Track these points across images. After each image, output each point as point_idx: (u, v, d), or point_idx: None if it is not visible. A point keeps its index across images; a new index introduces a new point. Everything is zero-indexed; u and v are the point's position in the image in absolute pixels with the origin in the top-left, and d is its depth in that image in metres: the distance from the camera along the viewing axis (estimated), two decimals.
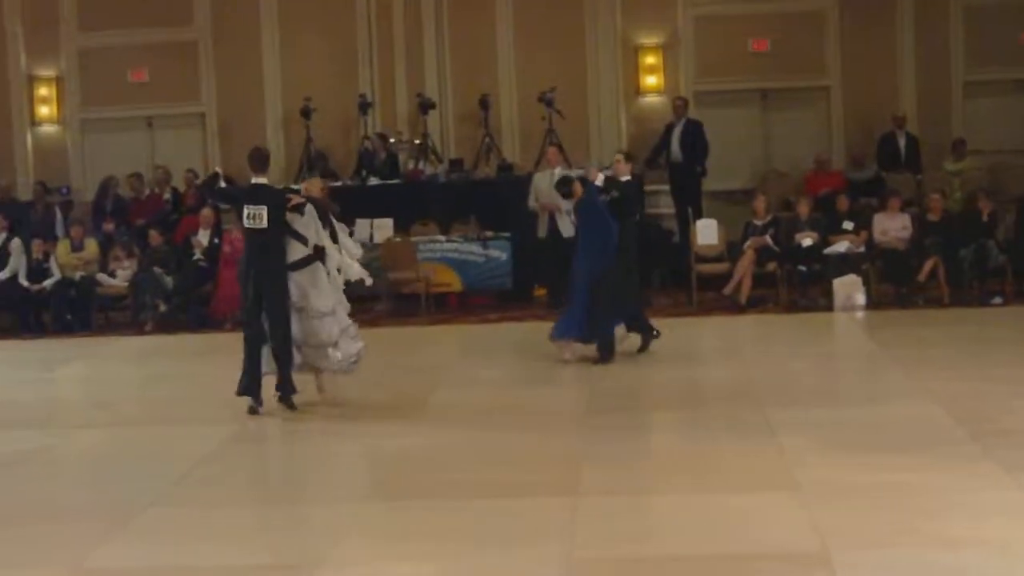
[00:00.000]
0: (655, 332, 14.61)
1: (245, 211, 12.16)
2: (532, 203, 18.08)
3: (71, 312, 18.24)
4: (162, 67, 21.90)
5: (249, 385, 12.16)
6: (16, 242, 18.59)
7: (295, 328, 12.27)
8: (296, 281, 12.27)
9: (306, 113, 20.40)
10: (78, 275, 18.29)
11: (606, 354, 13.94)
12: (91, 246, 18.76)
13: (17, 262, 18.43)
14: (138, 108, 22.06)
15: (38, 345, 17.20)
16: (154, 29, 21.74)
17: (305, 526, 8.98)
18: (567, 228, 17.52)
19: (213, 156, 21.80)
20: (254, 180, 12.43)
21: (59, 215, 20.55)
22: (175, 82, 21.89)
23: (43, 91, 22.37)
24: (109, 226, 19.50)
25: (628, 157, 15.43)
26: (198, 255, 18.11)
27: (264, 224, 12.06)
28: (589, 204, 14.20)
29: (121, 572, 8.34)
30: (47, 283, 18.25)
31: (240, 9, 21.80)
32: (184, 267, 18.12)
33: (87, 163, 22.20)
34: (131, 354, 16.33)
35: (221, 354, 15.94)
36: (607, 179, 14.83)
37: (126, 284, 18.20)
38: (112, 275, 18.42)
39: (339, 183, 19.97)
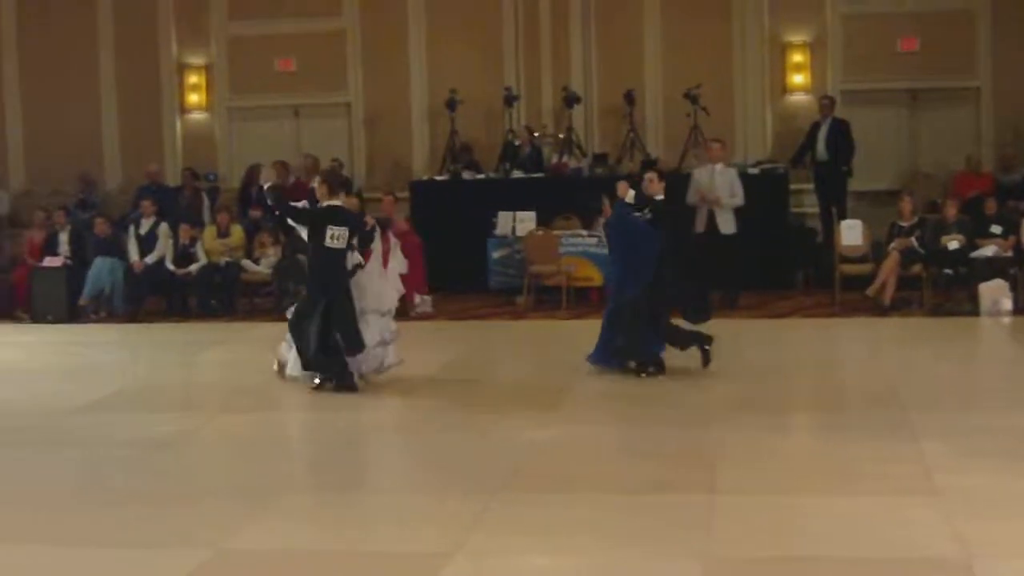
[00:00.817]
0: (706, 340, 13.38)
1: (328, 231, 12.69)
2: (691, 198, 17.93)
3: (215, 297, 18.51)
4: (310, 57, 22.13)
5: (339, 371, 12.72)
6: (164, 227, 18.90)
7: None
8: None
9: (451, 105, 20.48)
10: (223, 261, 18.54)
11: (650, 367, 13.24)
12: (237, 232, 19.00)
13: (164, 246, 18.74)
14: (285, 97, 22.31)
15: (183, 328, 17.45)
16: (303, 19, 21.97)
17: (441, 514, 9.00)
18: (726, 224, 17.43)
19: (358, 146, 22.02)
20: (331, 202, 12.91)
21: (206, 201, 20.89)
22: (322, 72, 22.11)
23: (193, 79, 22.71)
24: (255, 213, 19.76)
25: (662, 175, 14.18)
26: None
27: (344, 245, 12.73)
28: (617, 223, 13.48)
29: (261, 554, 8.43)
30: (193, 268, 18.53)
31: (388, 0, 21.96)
32: None
33: (234, 150, 22.52)
34: (273, 340, 16.47)
35: None
36: (638, 196, 13.72)
37: (270, 271, 18.40)
38: (257, 262, 18.66)
39: (482, 175, 20.05)
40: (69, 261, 18.68)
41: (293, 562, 8.28)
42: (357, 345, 12.72)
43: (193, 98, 22.71)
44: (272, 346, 15.70)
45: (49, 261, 18.78)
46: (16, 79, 22.89)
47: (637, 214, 13.51)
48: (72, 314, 18.37)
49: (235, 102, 22.59)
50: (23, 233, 20.30)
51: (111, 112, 22.68)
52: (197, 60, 22.66)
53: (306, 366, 12.95)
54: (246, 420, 12.28)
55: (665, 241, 13.22)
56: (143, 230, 18.94)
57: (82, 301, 18.49)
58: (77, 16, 22.64)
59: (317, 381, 12.83)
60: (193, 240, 18.78)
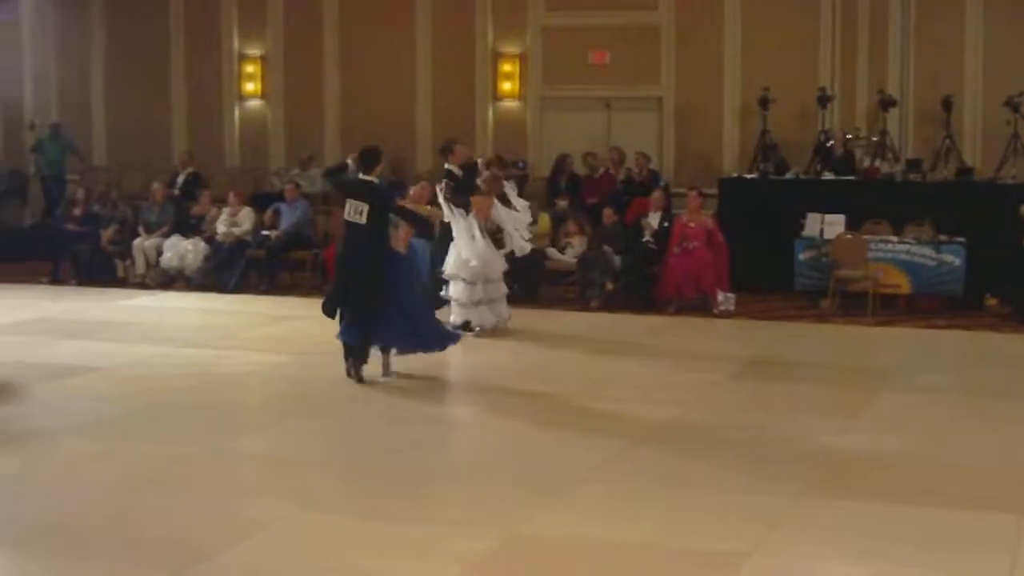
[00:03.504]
0: None
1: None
2: None
3: (519, 283, 18.66)
4: (623, 50, 22.20)
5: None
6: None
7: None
8: None
9: (763, 103, 20.29)
10: (529, 248, 18.68)
11: None
12: (544, 220, 19.15)
13: None
14: (597, 89, 22.43)
15: None
16: (618, 11, 22.05)
17: (736, 513, 8.94)
18: None
19: (667, 141, 22.01)
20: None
21: (514, 188, 21.09)
22: (635, 65, 22.15)
23: (507, 67, 23.01)
24: (562, 202, 19.90)
25: None
26: (647, 237, 18.26)
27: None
28: None
29: (552, 541, 8.50)
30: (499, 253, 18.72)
31: None
32: (633, 248, 18.29)
33: (544, 139, 22.74)
34: (574, 329, 16.61)
35: (662, 336, 16.14)
36: None
37: (575, 260, 18.52)
38: (562, 250, 18.79)
39: (791, 175, 19.82)
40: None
41: (586, 551, 8.33)
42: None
43: (506, 86, 23.00)
44: (569, 336, 15.89)
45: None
46: (336, 58, 23.59)
47: None
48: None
49: (547, 92, 22.80)
50: (333, 211, 20.84)
51: (426, 97, 23.15)
52: (512, 49, 22.95)
53: None
54: (538, 405, 12.39)
55: None
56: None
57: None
58: (397, 2, 23.19)
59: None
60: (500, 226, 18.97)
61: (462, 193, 15.87)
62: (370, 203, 13.06)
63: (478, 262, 15.65)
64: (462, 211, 15.71)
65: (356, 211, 13.08)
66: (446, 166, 16.47)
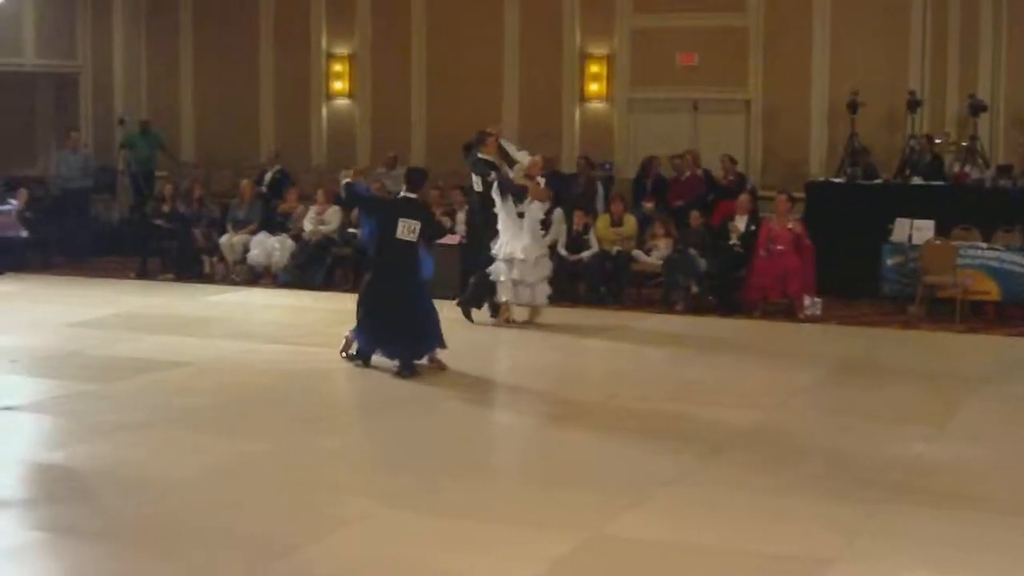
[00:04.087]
0: None
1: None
2: None
3: (605, 285, 18.68)
4: (711, 52, 22.09)
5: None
6: (558, 212, 19.13)
7: None
8: None
9: (852, 107, 20.12)
10: (615, 249, 18.68)
11: None
12: (630, 222, 19.11)
13: (558, 232, 18.98)
14: (684, 91, 22.32)
15: (570, 314, 17.66)
16: (707, 14, 21.92)
17: (820, 519, 8.91)
18: None
19: (754, 143, 21.91)
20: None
21: (600, 189, 21.09)
22: (723, 68, 22.03)
23: (594, 68, 22.96)
24: (649, 204, 19.85)
25: None
26: (734, 240, 18.18)
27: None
28: None
29: (637, 543, 8.50)
30: (584, 255, 18.72)
31: None
32: (719, 251, 18.22)
33: (631, 141, 22.68)
34: (660, 331, 16.57)
35: (747, 340, 16.08)
36: None
37: (660, 262, 18.47)
38: (648, 253, 18.74)
39: (879, 180, 19.67)
40: (464, 240, 19.15)
41: (667, 554, 8.33)
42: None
43: (593, 87, 22.96)
44: (654, 338, 15.88)
45: (446, 239, 19.26)
46: (424, 57, 23.65)
47: None
48: (463, 291, 18.81)
49: (635, 93, 22.73)
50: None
51: (512, 97, 23.16)
52: (599, 50, 22.91)
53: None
54: (620, 408, 12.39)
55: None
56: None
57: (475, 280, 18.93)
58: (486, 3, 23.24)
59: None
60: (586, 227, 18.98)
61: (511, 183, 16.31)
62: (422, 222, 13.72)
63: (523, 253, 16.30)
64: (517, 198, 16.26)
65: (409, 230, 13.63)
66: (480, 155, 16.68)
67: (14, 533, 8.64)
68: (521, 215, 16.30)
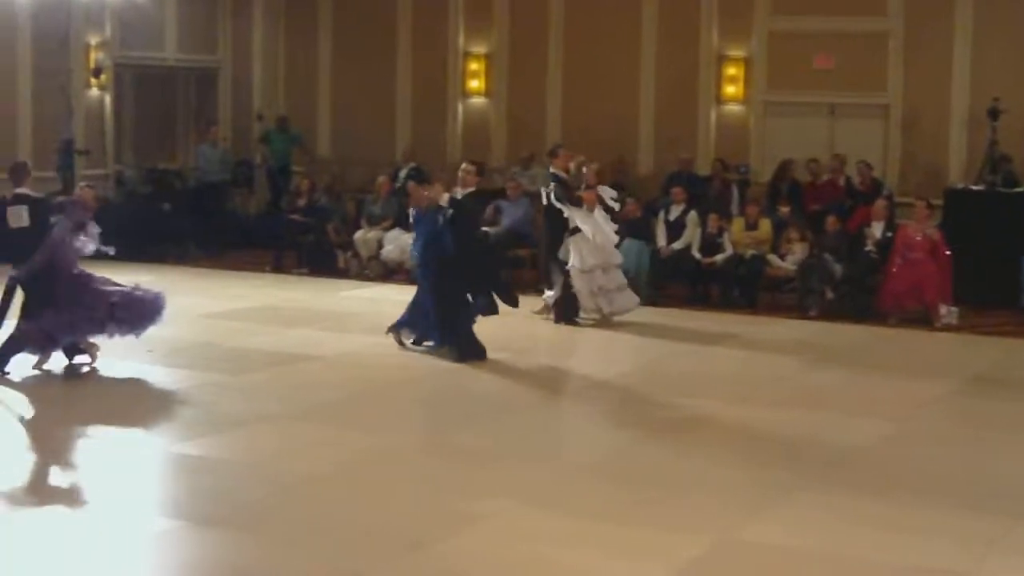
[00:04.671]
0: None
1: None
2: None
3: (738, 289, 18.55)
4: (849, 55, 21.86)
5: None
6: (692, 215, 19.09)
7: None
8: None
9: (993, 114, 19.79)
10: (749, 253, 18.53)
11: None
12: (764, 226, 18.96)
13: (692, 234, 18.92)
14: (821, 94, 22.12)
15: (701, 317, 17.59)
16: (846, 17, 21.71)
17: (954, 531, 8.80)
18: None
19: (892, 149, 21.65)
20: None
21: (735, 193, 20.99)
22: (861, 71, 21.79)
23: (731, 71, 22.83)
24: (784, 208, 19.69)
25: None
26: (870, 246, 17.96)
27: None
28: None
29: (767, 548, 8.46)
30: (718, 258, 18.62)
31: (935, 2, 21.43)
32: (855, 256, 18.01)
33: (767, 144, 22.52)
34: (792, 337, 16.43)
35: (881, 348, 15.91)
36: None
37: (795, 267, 18.31)
38: (783, 257, 18.58)
39: (1020, 188, 19.35)
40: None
41: (798, 562, 8.27)
42: None
43: (730, 90, 22.83)
44: (786, 343, 15.77)
45: None
46: (560, 56, 23.67)
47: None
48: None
49: (771, 96, 22.56)
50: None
51: (649, 99, 23.11)
52: (737, 52, 22.77)
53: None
54: (752, 414, 12.30)
55: None
56: (672, 216, 19.18)
57: None
58: (623, 4, 23.19)
59: None
60: (721, 230, 18.87)
61: (569, 190, 16.64)
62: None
63: (594, 256, 16.58)
64: (575, 207, 16.55)
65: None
66: (551, 170, 17.03)
67: (149, 522, 8.77)
68: (576, 230, 16.50)
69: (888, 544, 8.53)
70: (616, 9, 23.25)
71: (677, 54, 22.86)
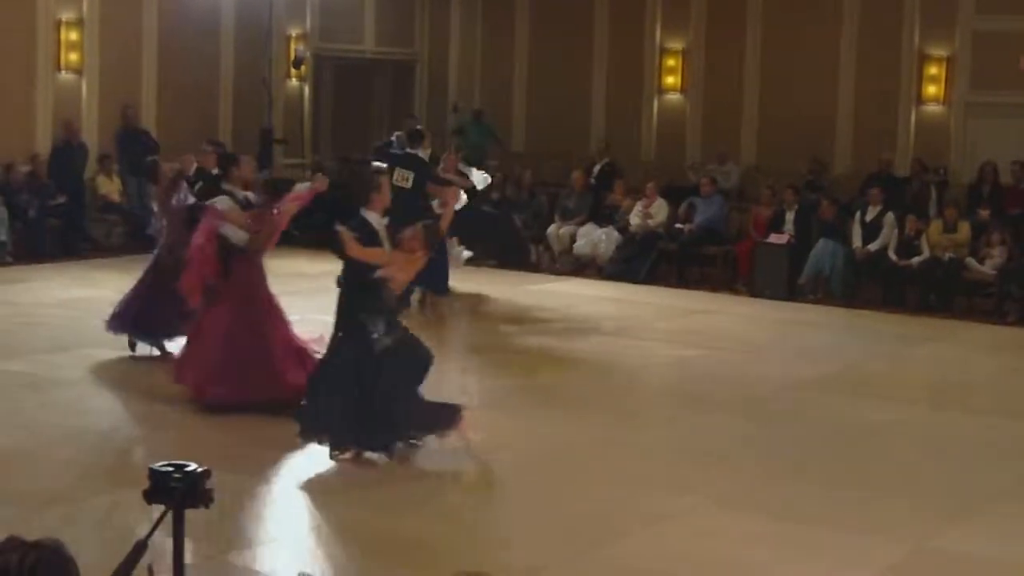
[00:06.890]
0: None
1: None
2: None
3: (934, 292, 18.21)
4: None
5: None
6: (890, 216, 18.79)
7: None
8: None
9: None
10: (947, 256, 18.18)
11: None
12: (963, 229, 18.57)
13: (888, 236, 18.64)
14: None
15: (896, 320, 17.32)
16: None
17: None
18: None
19: None
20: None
21: (934, 194, 20.57)
22: None
23: (933, 70, 22.41)
24: (984, 212, 19.28)
25: None
26: None
27: None
28: None
29: (966, 557, 8.30)
30: (915, 260, 18.30)
31: None
32: None
33: (968, 146, 22.06)
34: (989, 343, 16.09)
35: None
36: None
37: (994, 272, 17.91)
38: (981, 261, 18.18)
39: None
40: (793, 240, 18.97)
41: (1000, 571, 8.08)
42: None
43: (931, 90, 22.40)
44: (981, 349, 15.44)
45: (774, 238, 19.14)
46: (758, 53, 23.47)
47: None
48: (790, 292, 18.66)
49: (973, 97, 22.10)
50: (750, 207, 20.75)
51: (847, 96, 22.79)
52: (939, 52, 22.34)
53: None
54: (948, 419, 12.09)
55: None
56: (868, 217, 18.90)
57: (802, 280, 18.73)
58: (822, 1, 22.94)
59: None
60: (918, 232, 18.54)
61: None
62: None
63: None
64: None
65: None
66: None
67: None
68: None
69: None
70: (815, 6, 22.97)
71: (877, 52, 22.50)
